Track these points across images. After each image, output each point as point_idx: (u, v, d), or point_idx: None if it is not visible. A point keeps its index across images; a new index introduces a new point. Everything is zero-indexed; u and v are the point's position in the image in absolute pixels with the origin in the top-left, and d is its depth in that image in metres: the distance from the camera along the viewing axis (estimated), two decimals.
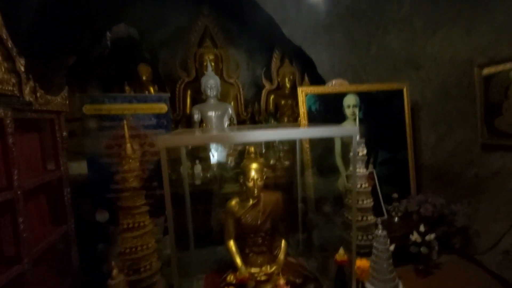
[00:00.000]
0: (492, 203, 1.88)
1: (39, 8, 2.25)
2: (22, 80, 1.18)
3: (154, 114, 1.90)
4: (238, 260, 1.60)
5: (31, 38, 2.24)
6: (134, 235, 1.42)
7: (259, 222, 1.66)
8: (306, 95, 2.26)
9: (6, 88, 1.09)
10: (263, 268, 1.61)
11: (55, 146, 1.52)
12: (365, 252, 1.65)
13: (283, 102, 3.35)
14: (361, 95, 2.34)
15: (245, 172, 1.63)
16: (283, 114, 3.34)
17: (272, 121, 3.13)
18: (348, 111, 2.33)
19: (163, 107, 1.92)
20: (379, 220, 1.58)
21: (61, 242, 1.56)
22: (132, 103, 1.85)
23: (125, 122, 1.48)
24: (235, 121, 2.99)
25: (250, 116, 3.30)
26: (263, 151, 2.70)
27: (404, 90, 2.38)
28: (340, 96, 2.33)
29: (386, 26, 2.48)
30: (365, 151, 1.78)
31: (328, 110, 2.32)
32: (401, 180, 2.39)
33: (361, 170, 1.77)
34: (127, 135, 1.44)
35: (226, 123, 2.92)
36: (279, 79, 3.39)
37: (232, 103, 3.22)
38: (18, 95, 1.16)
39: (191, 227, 1.75)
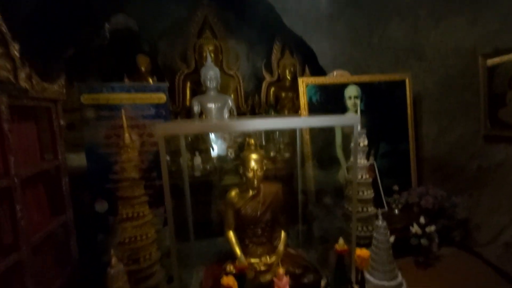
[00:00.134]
0: (494, 196, 1.87)
1: None
2: (17, 66, 1.16)
3: (153, 104, 1.88)
4: (238, 250, 1.60)
5: (29, 29, 2.20)
6: (134, 224, 1.42)
7: (259, 213, 1.65)
8: (306, 86, 2.23)
9: (1, 74, 1.07)
10: (263, 259, 1.61)
11: (53, 135, 1.50)
12: (365, 243, 1.64)
13: (283, 94, 3.32)
14: (362, 86, 2.31)
15: (244, 163, 1.61)
16: (283, 106, 3.31)
17: (273, 114, 3.11)
18: (349, 102, 2.30)
19: (161, 97, 1.89)
20: (379, 211, 1.57)
21: (60, 232, 1.56)
22: (130, 92, 1.82)
23: (123, 111, 1.46)
24: (235, 113, 2.96)
25: (250, 109, 3.28)
26: (263, 143, 2.68)
27: (407, 80, 2.35)
28: (341, 87, 2.30)
29: (388, 15, 2.43)
30: (366, 142, 1.76)
31: (329, 102, 2.29)
32: (402, 172, 2.37)
33: (362, 161, 1.76)
34: (125, 124, 1.43)
35: (226, 115, 2.89)
36: (279, 71, 3.35)
37: (232, 95, 3.19)
38: (13, 81, 1.14)
39: (191, 219, 1.74)
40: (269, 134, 2.70)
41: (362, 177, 1.76)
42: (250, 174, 1.59)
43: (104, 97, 1.79)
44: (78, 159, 2.08)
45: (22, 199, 1.19)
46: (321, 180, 2.19)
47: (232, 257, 1.60)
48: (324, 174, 2.22)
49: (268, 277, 1.51)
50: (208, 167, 2.42)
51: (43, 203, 1.50)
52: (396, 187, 2.16)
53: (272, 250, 1.67)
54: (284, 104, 3.31)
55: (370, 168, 1.97)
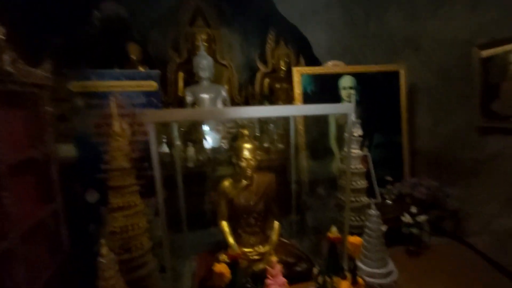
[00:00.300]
0: (485, 186, 1.88)
1: None
2: (1, 49, 1.11)
3: (144, 92, 1.83)
4: (231, 239, 1.60)
5: (15, 17, 2.12)
6: (125, 214, 1.39)
7: (252, 203, 1.65)
8: (301, 75, 2.21)
9: None
10: (256, 248, 1.62)
11: (40, 122, 1.46)
12: (358, 232, 1.64)
13: (278, 86, 3.28)
14: (357, 76, 2.29)
15: (238, 152, 1.60)
16: (278, 98, 3.28)
17: (267, 105, 3.08)
18: (344, 93, 2.29)
19: (152, 85, 1.85)
20: (372, 200, 1.57)
21: (50, 221, 1.53)
22: (120, 79, 1.78)
23: (112, 98, 1.42)
24: (229, 104, 2.93)
25: (244, 100, 3.24)
26: (257, 134, 2.66)
27: (401, 72, 2.33)
28: (336, 77, 2.28)
29: (385, 2, 2.39)
30: (360, 132, 1.75)
31: (323, 92, 2.27)
32: (395, 164, 2.38)
33: (355, 150, 1.76)
34: (114, 111, 1.39)
35: (219, 106, 2.86)
36: (273, 62, 3.30)
37: (225, 86, 3.14)
38: None
39: (184, 209, 1.73)
40: (263, 125, 2.67)
41: (355, 167, 1.76)
42: (243, 164, 1.58)
43: (93, 84, 1.74)
44: (69, 150, 2.04)
45: (9, 186, 1.15)
46: (315, 170, 2.19)
47: (225, 247, 1.60)
48: (317, 164, 2.22)
49: (261, 265, 1.51)
50: (201, 157, 2.40)
51: (32, 191, 1.46)
52: (389, 178, 2.17)
53: (265, 239, 1.67)
54: (278, 95, 3.27)
55: (364, 159, 1.97)
